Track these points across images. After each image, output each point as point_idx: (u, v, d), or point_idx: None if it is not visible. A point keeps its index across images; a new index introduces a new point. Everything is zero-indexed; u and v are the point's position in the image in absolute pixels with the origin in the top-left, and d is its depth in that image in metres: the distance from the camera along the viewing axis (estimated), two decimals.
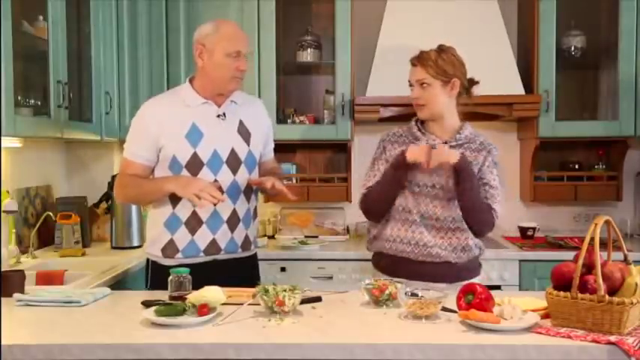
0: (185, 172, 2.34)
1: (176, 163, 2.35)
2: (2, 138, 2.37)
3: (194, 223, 2.36)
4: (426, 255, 2.31)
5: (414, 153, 2.22)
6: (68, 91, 2.83)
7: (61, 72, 2.80)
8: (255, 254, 2.60)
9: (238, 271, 2.42)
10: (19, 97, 2.58)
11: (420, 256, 2.31)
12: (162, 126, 2.35)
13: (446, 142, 2.35)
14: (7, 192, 2.89)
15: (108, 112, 3.33)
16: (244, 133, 2.44)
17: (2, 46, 2.30)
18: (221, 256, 2.41)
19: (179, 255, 2.38)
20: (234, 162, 2.39)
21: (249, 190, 2.46)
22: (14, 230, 2.95)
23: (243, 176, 2.42)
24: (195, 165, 2.34)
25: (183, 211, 2.36)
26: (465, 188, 2.25)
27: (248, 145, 2.43)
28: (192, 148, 2.34)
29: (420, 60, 2.34)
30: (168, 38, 3.51)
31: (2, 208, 2.74)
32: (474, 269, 2.40)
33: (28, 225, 3.17)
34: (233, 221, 2.41)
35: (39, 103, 2.76)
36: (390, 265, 2.37)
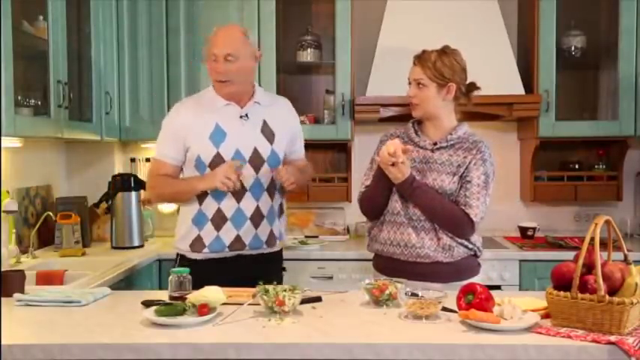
0: (208, 172, 2.42)
1: (201, 163, 2.43)
2: (2, 138, 2.37)
3: (218, 219, 2.44)
4: (416, 256, 2.32)
5: (384, 161, 2.23)
6: (68, 91, 2.83)
7: (61, 72, 2.80)
8: (281, 250, 2.63)
9: (263, 267, 2.47)
10: (19, 97, 2.58)
11: (410, 257, 2.32)
12: (188, 127, 2.44)
13: (435, 144, 2.36)
14: (7, 192, 2.89)
15: (108, 112, 3.34)
16: (268, 133, 2.48)
17: (2, 46, 2.30)
18: (246, 252, 2.47)
19: (206, 250, 2.46)
20: (257, 161, 2.45)
21: (273, 188, 2.51)
22: (14, 230, 2.95)
23: (266, 175, 2.47)
24: (218, 164, 2.39)
25: (209, 208, 2.44)
26: (415, 203, 2.30)
27: (271, 144, 2.47)
28: (215, 148, 2.41)
29: (420, 60, 2.36)
30: (169, 38, 3.50)
31: (2, 208, 2.74)
32: (470, 269, 2.38)
33: (28, 225, 3.17)
34: (257, 218, 2.46)
35: (39, 103, 2.76)
36: (386, 266, 2.39)
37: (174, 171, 2.50)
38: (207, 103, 2.48)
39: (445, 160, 2.33)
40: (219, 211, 2.44)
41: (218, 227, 2.44)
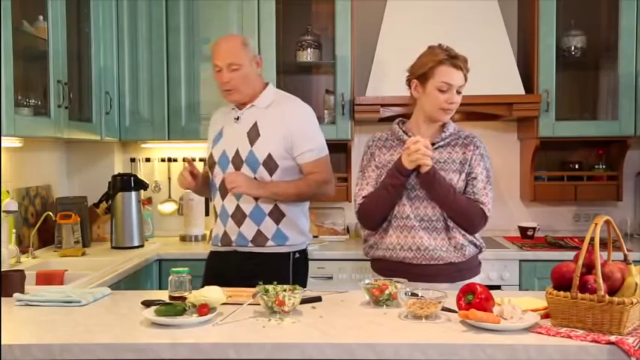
0: (208, 170, 2.68)
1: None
2: (2, 138, 2.37)
3: (216, 215, 2.67)
4: (429, 258, 2.29)
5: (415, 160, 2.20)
6: (68, 91, 2.83)
7: (61, 72, 2.80)
8: (288, 253, 2.56)
9: (268, 265, 2.50)
10: (19, 97, 2.58)
11: (423, 260, 2.30)
12: (210, 132, 2.71)
13: (434, 144, 2.32)
14: (7, 192, 2.89)
15: (108, 112, 3.34)
16: (253, 134, 2.52)
17: (2, 46, 2.30)
18: (239, 249, 2.55)
19: (212, 242, 2.68)
20: (237, 161, 2.52)
21: None
22: (14, 230, 2.94)
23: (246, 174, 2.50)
24: (211, 164, 2.62)
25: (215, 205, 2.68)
26: (434, 197, 2.27)
27: (251, 145, 2.50)
28: (210, 150, 2.64)
29: (465, 63, 2.30)
30: (168, 38, 3.50)
31: (2, 208, 2.74)
32: (474, 268, 2.38)
33: (28, 225, 3.17)
34: (238, 217, 2.53)
35: (39, 103, 2.76)
36: (392, 271, 2.29)
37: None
38: (227, 109, 2.65)
39: (447, 158, 2.32)
40: (215, 207, 2.68)
41: (216, 222, 2.65)
